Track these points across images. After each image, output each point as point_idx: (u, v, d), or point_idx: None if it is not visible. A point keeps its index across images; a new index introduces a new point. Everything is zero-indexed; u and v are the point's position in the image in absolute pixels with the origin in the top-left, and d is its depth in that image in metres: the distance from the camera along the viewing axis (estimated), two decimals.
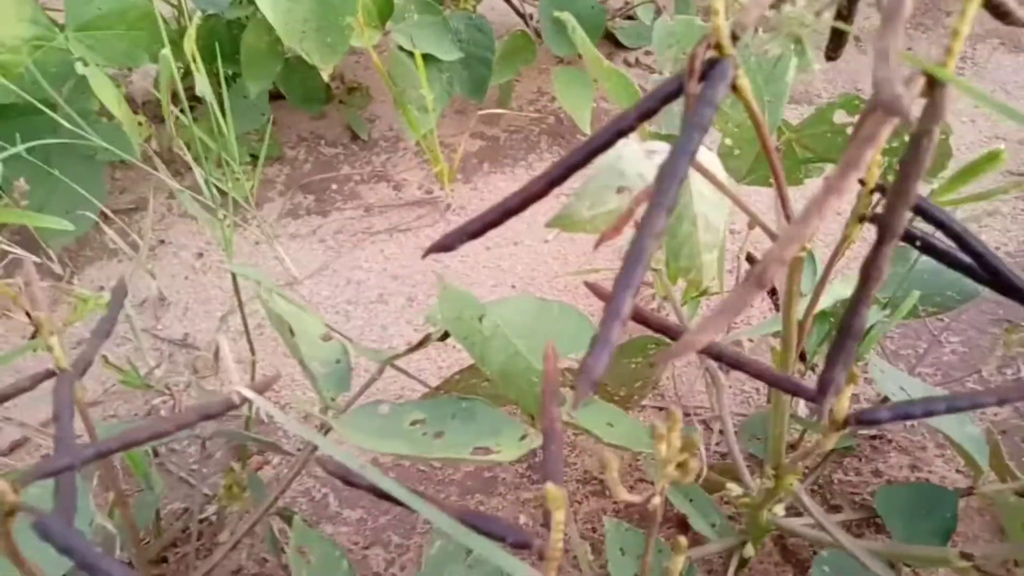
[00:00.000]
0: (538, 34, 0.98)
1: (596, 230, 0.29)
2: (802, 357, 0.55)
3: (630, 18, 1.18)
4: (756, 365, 0.29)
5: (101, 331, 0.41)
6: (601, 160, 0.29)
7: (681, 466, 0.25)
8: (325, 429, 0.42)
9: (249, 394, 0.29)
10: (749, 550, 0.45)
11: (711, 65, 0.24)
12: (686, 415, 0.66)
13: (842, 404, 0.29)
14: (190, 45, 0.63)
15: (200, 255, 0.90)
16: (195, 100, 1.09)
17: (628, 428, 0.46)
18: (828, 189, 0.21)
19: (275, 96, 1.03)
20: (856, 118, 0.38)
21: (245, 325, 0.58)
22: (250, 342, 0.60)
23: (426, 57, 0.88)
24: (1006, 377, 0.66)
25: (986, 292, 0.74)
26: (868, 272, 0.24)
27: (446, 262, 0.86)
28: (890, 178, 0.25)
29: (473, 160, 0.99)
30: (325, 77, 0.81)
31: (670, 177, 0.23)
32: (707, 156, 0.32)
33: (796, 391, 0.28)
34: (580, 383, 0.21)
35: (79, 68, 0.76)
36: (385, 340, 0.79)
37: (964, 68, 1.05)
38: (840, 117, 0.45)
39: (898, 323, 0.70)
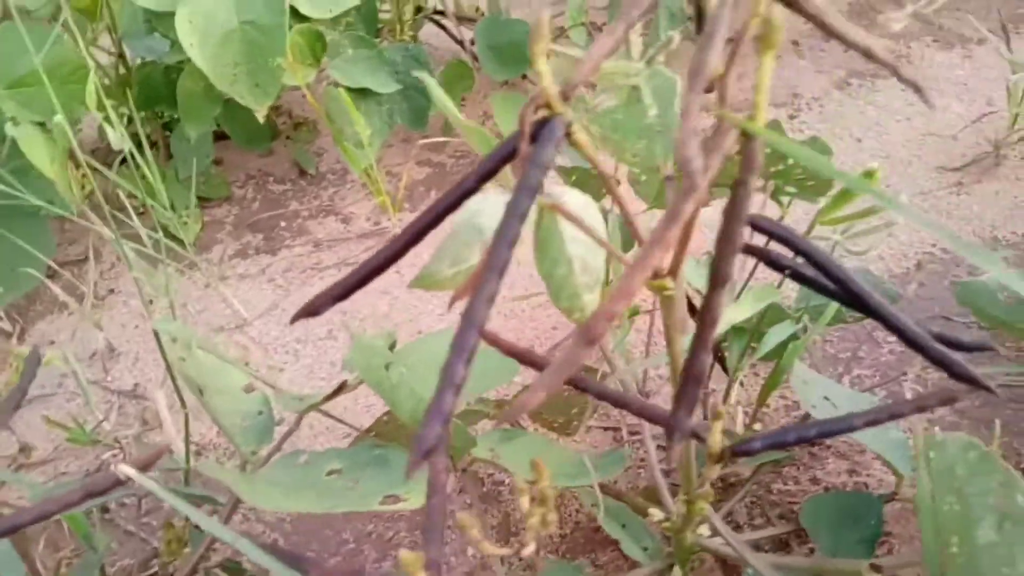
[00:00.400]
0: (476, 59, 0.99)
1: (458, 287, 0.29)
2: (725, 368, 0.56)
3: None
4: (618, 396, 0.29)
5: (11, 401, 0.41)
6: (459, 217, 0.30)
7: (542, 518, 0.25)
8: (235, 498, 0.42)
9: (131, 472, 0.30)
10: (677, 572, 0.45)
11: (541, 125, 0.25)
12: (632, 433, 0.66)
13: (715, 438, 0.29)
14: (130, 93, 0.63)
15: (150, 302, 0.90)
16: (140, 147, 1.09)
17: (555, 463, 0.46)
18: (638, 264, 0.22)
19: (221, 136, 1.03)
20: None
21: (174, 381, 0.58)
22: (180, 396, 0.60)
23: (365, 91, 0.88)
24: (938, 375, 0.66)
25: (920, 290, 0.75)
26: (704, 316, 0.24)
27: (394, 294, 0.86)
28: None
29: (420, 188, 0.99)
30: (260, 118, 0.82)
31: (501, 241, 0.23)
32: (578, 200, 0.32)
33: (655, 421, 0.28)
34: (413, 452, 0.22)
35: (8, 129, 0.76)
36: (334, 376, 0.79)
37: (899, 66, 1.06)
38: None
39: (835, 326, 0.70)
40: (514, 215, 0.24)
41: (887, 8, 1.15)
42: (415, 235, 0.28)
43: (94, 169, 1.00)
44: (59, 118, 0.73)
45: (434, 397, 0.23)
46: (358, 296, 0.84)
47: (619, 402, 0.30)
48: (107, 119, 0.65)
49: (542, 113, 0.25)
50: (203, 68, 0.77)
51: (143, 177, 0.98)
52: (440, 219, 0.27)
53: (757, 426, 0.62)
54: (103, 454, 0.74)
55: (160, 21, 0.86)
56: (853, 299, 0.30)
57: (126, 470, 0.30)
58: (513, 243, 0.24)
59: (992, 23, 1.09)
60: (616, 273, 0.49)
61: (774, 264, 0.32)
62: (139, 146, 1.08)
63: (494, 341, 0.32)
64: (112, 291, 0.92)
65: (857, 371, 0.66)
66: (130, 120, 1.07)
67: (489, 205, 0.29)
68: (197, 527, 0.60)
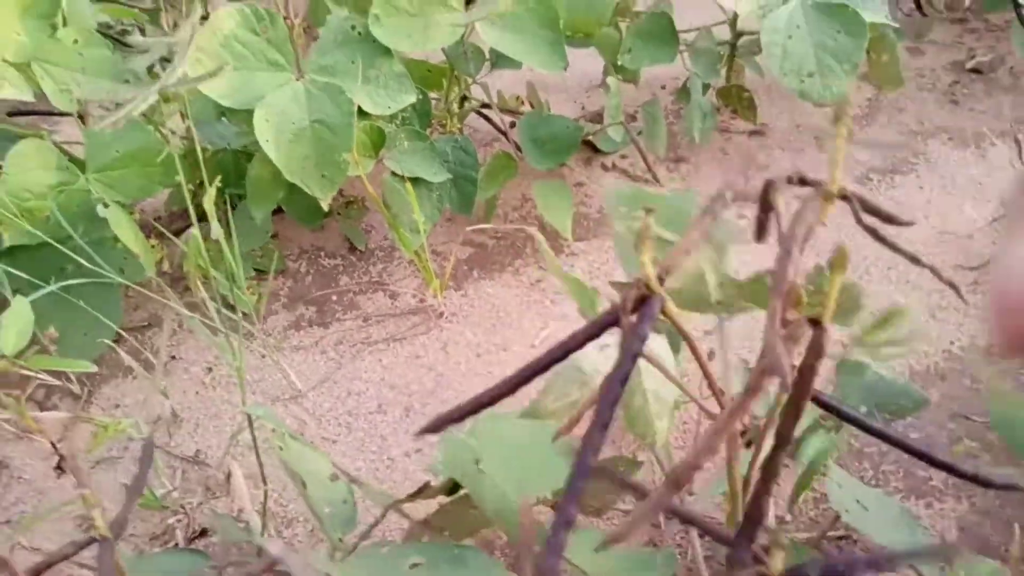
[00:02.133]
0: (519, 148, 1.06)
1: (560, 419, 0.34)
2: None
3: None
4: (690, 514, 0.34)
5: (135, 489, 0.46)
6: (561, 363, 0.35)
7: None
8: None
9: (281, 553, 0.34)
10: None
11: (641, 302, 0.31)
12: (667, 516, 0.70)
13: (775, 565, 0.34)
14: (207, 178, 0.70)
15: (209, 370, 0.96)
16: (203, 219, 1.17)
17: (618, 558, 0.51)
18: (729, 416, 0.27)
19: (277, 210, 1.10)
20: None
21: (258, 457, 0.63)
22: (261, 470, 0.65)
23: (416, 179, 0.95)
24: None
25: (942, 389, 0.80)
26: (766, 471, 0.29)
27: (439, 370, 0.91)
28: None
29: (464, 267, 1.05)
30: (324, 206, 0.88)
31: (607, 400, 0.29)
32: (658, 344, 0.38)
33: (721, 540, 0.33)
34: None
35: (100, 211, 0.83)
36: (384, 450, 0.83)
37: (918, 163, 1.13)
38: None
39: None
40: (618, 378, 0.29)
41: (907, 105, 1.22)
42: (526, 377, 0.33)
43: (161, 238, 1.07)
44: (107, 211, 0.79)
45: (551, 534, 0.28)
46: (406, 372, 0.90)
47: (690, 520, 0.35)
48: (191, 198, 0.71)
49: (641, 292, 0.31)
50: (276, 161, 0.84)
51: (207, 250, 1.05)
52: (550, 366, 0.33)
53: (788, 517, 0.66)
54: (168, 519, 0.78)
55: (233, 114, 0.94)
56: (895, 444, 0.35)
57: (276, 551, 0.35)
58: (616, 402, 0.29)
59: (1004, 123, 1.16)
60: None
61: (827, 407, 0.37)
62: (202, 218, 1.15)
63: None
64: (173, 358, 0.98)
65: (884, 467, 0.71)
66: (194, 196, 1.14)
67: (588, 352, 0.35)
68: None
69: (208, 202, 0.68)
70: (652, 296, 0.31)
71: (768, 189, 0.34)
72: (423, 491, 0.50)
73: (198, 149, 1.00)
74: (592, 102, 1.36)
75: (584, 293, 0.38)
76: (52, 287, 0.80)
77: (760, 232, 0.40)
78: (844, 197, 0.29)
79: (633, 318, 0.31)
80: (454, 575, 0.43)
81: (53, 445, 0.77)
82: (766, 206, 0.35)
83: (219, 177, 0.98)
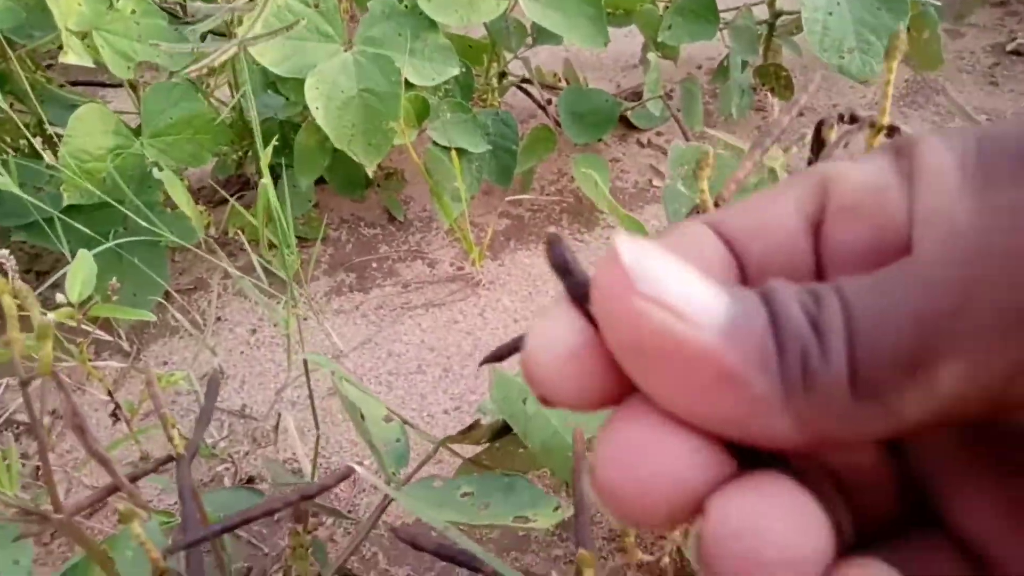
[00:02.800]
0: (557, 123, 1.08)
1: None
2: None
3: (639, 98, 1.28)
4: None
5: (204, 419, 0.49)
6: None
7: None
8: (388, 500, 0.49)
9: (359, 470, 0.37)
10: None
11: None
12: None
13: None
14: (267, 153, 0.72)
15: (254, 331, 0.99)
16: (244, 188, 1.20)
17: None
18: None
19: (318, 181, 1.13)
20: None
21: (313, 405, 0.65)
22: (315, 417, 0.68)
23: (459, 150, 0.97)
24: None
25: None
26: None
27: (477, 335, 0.94)
28: None
29: (500, 238, 1.08)
30: (370, 174, 0.91)
31: None
32: None
33: None
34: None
35: (156, 173, 0.87)
36: (424, 408, 0.86)
37: None
38: None
39: None
40: None
41: (946, 87, 1.22)
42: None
43: (208, 204, 1.11)
44: (162, 174, 0.83)
45: None
46: (445, 335, 0.92)
47: None
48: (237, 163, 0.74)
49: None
50: (325, 128, 0.87)
51: (254, 216, 1.09)
52: None
53: None
54: (217, 467, 0.82)
55: (284, 84, 0.97)
56: None
57: (357, 469, 0.38)
58: None
59: None
60: None
61: None
62: (246, 186, 1.19)
63: None
64: (219, 319, 1.02)
65: None
66: (238, 165, 1.18)
67: None
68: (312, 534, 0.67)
69: (264, 166, 0.71)
70: None
71: (821, 126, 0.36)
72: (472, 429, 0.52)
73: (254, 117, 1.04)
74: (627, 81, 1.37)
75: (637, 226, 0.40)
76: (109, 244, 0.83)
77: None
78: (890, 130, 0.31)
79: None
80: (504, 502, 0.46)
81: (110, 393, 0.80)
82: (817, 144, 0.37)
83: (268, 146, 1.02)
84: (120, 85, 1.20)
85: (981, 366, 0.11)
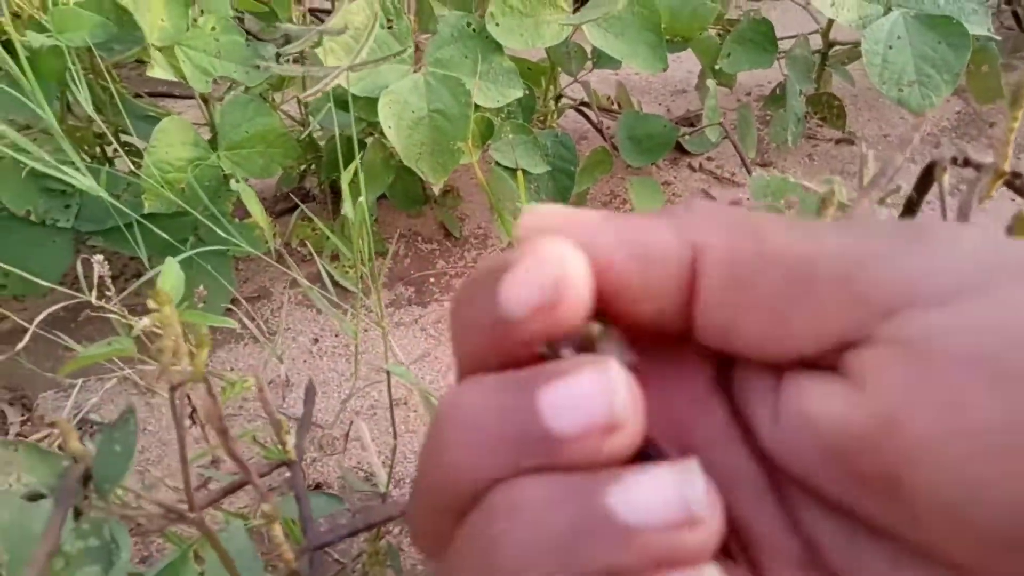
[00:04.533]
0: (614, 147, 1.10)
1: None
2: None
3: (691, 124, 1.30)
4: None
5: (305, 425, 0.52)
6: None
7: None
8: None
9: None
10: None
11: None
12: None
13: None
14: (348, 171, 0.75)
15: (316, 340, 1.02)
16: (305, 199, 1.24)
17: None
18: None
19: (378, 196, 1.16)
20: None
21: (392, 416, 0.68)
22: (394, 427, 0.70)
23: (517, 170, 1.00)
24: None
25: None
26: None
27: None
28: None
29: None
30: (436, 191, 0.94)
31: None
32: None
33: None
34: None
35: (232, 185, 0.90)
36: None
37: None
38: None
39: None
40: None
41: (999, 119, 1.23)
42: None
43: (272, 216, 1.14)
44: (239, 186, 0.86)
45: None
46: None
47: None
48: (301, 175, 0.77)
49: None
50: (395, 145, 0.90)
51: (315, 230, 1.12)
52: None
53: None
54: (285, 473, 0.84)
55: (355, 101, 1.00)
56: None
57: None
58: None
59: None
60: None
61: None
62: (306, 199, 1.22)
63: None
64: (281, 327, 1.05)
65: None
66: (301, 178, 1.22)
67: None
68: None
69: (345, 183, 0.74)
70: None
71: (931, 169, 0.38)
72: None
73: (336, 135, 1.07)
74: (676, 104, 1.39)
75: None
76: (188, 252, 0.87)
77: (909, 213, 0.43)
78: (1014, 177, 0.33)
79: None
80: None
81: (188, 397, 0.83)
82: (923, 185, 0.39)
83: (334, 161, 1.05)
84: (188, 97, 1.25)
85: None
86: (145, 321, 0.71)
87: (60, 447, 0.91)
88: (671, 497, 0.12)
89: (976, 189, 0.30)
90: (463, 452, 0.13)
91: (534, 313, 0.13)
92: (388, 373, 0.65)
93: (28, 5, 0.85)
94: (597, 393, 0.13)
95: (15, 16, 0.86)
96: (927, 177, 0.38)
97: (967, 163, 0.36)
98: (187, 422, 0.90)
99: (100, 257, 0.74)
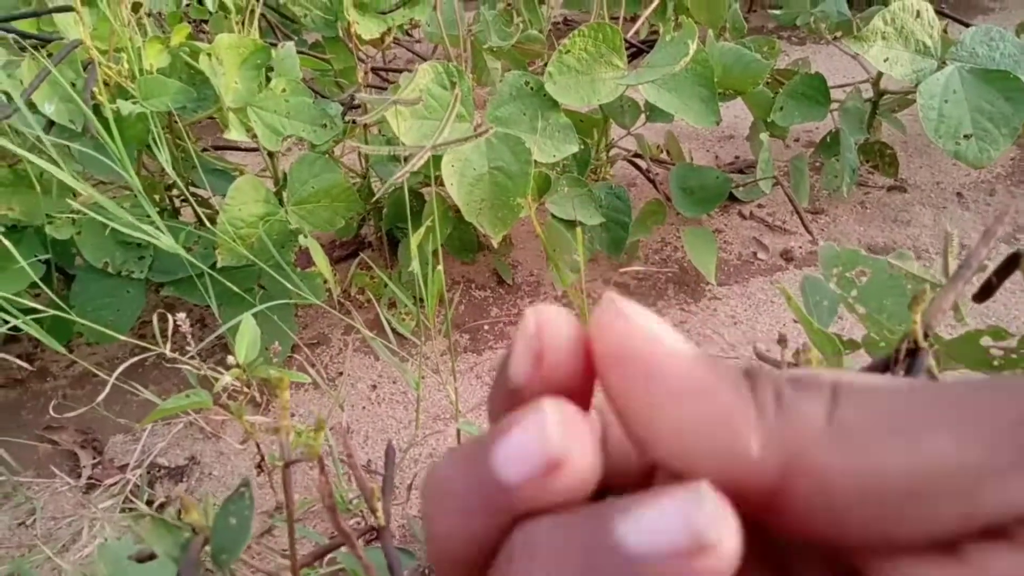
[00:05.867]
0: (666, 196, 1.12)
1: None
2: None
3: (740, 171, 1.31)
4: None
5: (388, 488, 0.54)
6: None
7: None
8: None
9: None
10: None
11: (911, 354, 0.35)
12: None
13: None
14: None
15: (374, 387, 1.05)
16: (360, 248, 1.27)
17: None
18: None
19: None
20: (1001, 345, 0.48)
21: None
22: None
23: (573, 222, 1.02)
24: None
25: None
26: None
27: None
28: None
29: None
30: (494, 244, 0.96)
31: None
32: None
33: None
34: None
35: (302, 240, 0.94)
36: None
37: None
38: (985, 341, 0.54)
39: None
40: None
41: None
42: None
43: (334, 266, 1.17)
44: (307, 240, 0.90)
45: None
46: None
47: None
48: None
49: (909, 346, 0.36)
50: (457, 201, 0.93)
51: (372, 278, 1.15)
52: None
53: None
54: (346, 519, 0.86)
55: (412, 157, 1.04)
56: None
57: None
58: None
59: None
60: None
61: None
62: (361, 248, 1.26)
63: None
64: (340, 374, 1.08)
65: None
66: (359, 227, 1.25)
67: None
68: None
69: (415, 240, 0.77)
70: (920, 350, 0.35)
71: (1016, 258, 0.39)
72: None
73: (405, 194, 1.11)
74: (725, 151, 1.41)
75: (822, 336, 0.43)
76: (259, 307, 0.90)
77: (985, 295, 0.44)
78: None
79: (901, 371, 0.36)
80: None
81: (258, 446, 0.86)
82: (1004, 273, 0.40)
83: (396, 212, 1.08)
84: (252, 149, 1.30)
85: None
86: (227, 379, 0.74)
87: (132, 496, 0.93)
88: (678, 524, 0.12)
89: None
90: (446, 520, 0.14)
91: (528, 482, 0.13)
92: (459, 431, 0.67)
93: (116, 74, 0.90)
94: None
95: (103, 83, 0.92)
96: (1010, 265, 0.39)
97: None
98: (255, 470, 0.93)
99: (183, 315, 0.78)
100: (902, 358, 0.35)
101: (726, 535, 0.12)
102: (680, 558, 0.12)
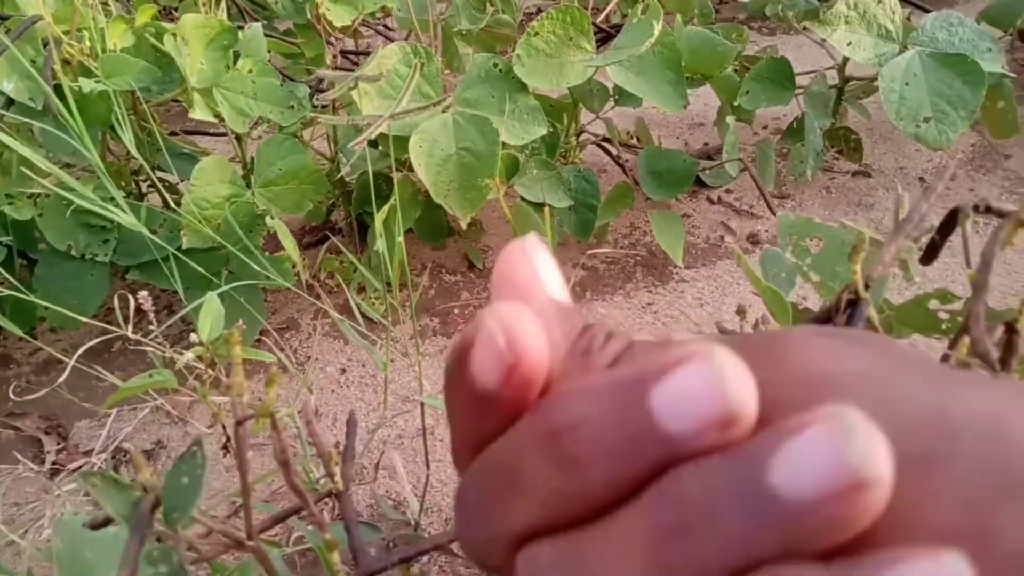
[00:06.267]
0: (635, 181, 1.13)
1: None
2: None
3: (709, 157, 1.33)
4: None
5: (349, 456, 0.54)
6: None
7: None
8: None
9: None
10: None
11: (851, 304, 0.36)
12: None
13: None
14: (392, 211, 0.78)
15: (343, 370, 1.04)
16: (331, 232, 1.27)
17: None
18: None
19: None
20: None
21: (425, 446, 0.70)
22: (427, 459, 0.72)
23: (542, 204, 1.03)
24: None
25: None
26: None
27: None
28: None
29: (576, 288, 1.12)
30: (463, 226, 0.96)
31: None
32: None
33: None
34: None
35: (268, 221, 0.93)
36: None
37: None
38: (933, 305, 0.55)
39: None
40: None
41: (1014, 152, 1.24)
42: None
43: (304, 251, 1.17)
44: (274, 222, 0.89)
45: None
46: None
47: None
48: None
49: (849, 296, 0.37)
50: (425, 182, 0.93)
51: (342, 263, 1.15)
52: None
53: None
54: (314, 499, 0.86)
55: (381, 139, 1.04)
56: None
57: None
58: None
59: None
60: None
61: None
62: (331, 233, 1.26)
63: None
64: (309, 358, 1.07)
65: None
66: (329, 212, 1.25)
67: None
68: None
69: (378, 220, 0.77)
70: (861, 301, 0.36)
71: (954, 215, 0.40)
72: None
73: (338, 167, 1.10)
74: (694, 138, 1.42)
75: (778, 299, 0.44)
76: (226, 287, 0.89)
77: (930, 256, 0.45)
78: None
79: (842, 320, 0.36)
80: None
81: (224, 427, 0.86)
82: (946, 230, 0.41)
83: (363, 197, 1.08)
84: (220, 134, 1.29)
85: None
86: (189, 356, 0.73)
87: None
88: (831, 461, 0.11)
89: (999, 237, 0.32)
90: (584, 459, 0.13)
91: (503, 379, 0.14)
92: (422, 405, 0.67)
93: (78, 52, 0.89)
94: (707, 388, 0.12)
95: (65, 63, 0.90)
96: (950, 222, 0.40)
97: (988, 210, 0.37)
98: (220, 452, 0.92)
99: (145, 293, 0.77)
100: (843, 308, 0.36)
101: (883, 467, 0.11)
102: (838, 497, 0.11)
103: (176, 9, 1.53)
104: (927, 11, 1.15)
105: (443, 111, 0.96)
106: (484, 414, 0.14)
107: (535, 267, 0.16)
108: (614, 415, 0.13)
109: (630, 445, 0.13)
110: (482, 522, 0.15)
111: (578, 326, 0.16)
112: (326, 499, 0.52)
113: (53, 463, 0.97)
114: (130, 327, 0.84)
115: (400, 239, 0.67)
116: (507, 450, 0.14)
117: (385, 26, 1.97)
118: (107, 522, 0.45)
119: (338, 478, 0.48)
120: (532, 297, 0.16)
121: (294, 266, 1.12)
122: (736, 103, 1.07)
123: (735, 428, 0.12)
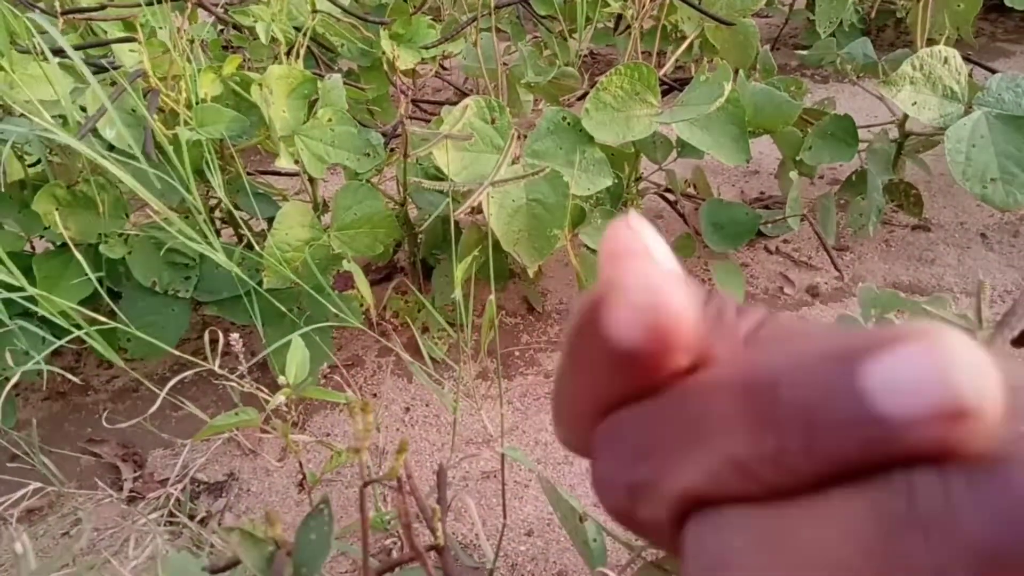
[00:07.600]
0: (696, 231, 1.15)
1: None
2: None
3: (766, 206, 1.34)
4: None
5: (443, 508, 0.56)
6: None
7: None
8: None
9: None
10: None
11: None
12: None
13: None
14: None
15: (407, 409, 1.07)
16: (393, 272, 1.31)
17: None
18: None
19: None
20: None
21: (503, 492, 0.72)
22: (504, 505, 0.74)
23: None
24: None
25: None
26: None
27: None
28: None
29: None
30: (531, 274, 0.99)
31: None
32: None
33: None
34: None
35: (345, 265, 0.97)
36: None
37: None
38: None
39: None
40: None
41: None
42: None
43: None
44: (350, 265, 0.93)
45: None
46: None
47: None
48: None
49: None
50: (496, 232, 0.96)
51: (406, 302, 1.18)
52: None
53: None
54: (383, 540, 0.89)
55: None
56: None
57: None
58: None
59: None
60: None
61: None
62: (394, 273, 1.29)
63: None
64: (375, 395, 1.10)
65: None
66: (394, 252, 1.29)
67: None
68: None
69: (460, 271, 0.80)
70: None
71: None
72: None
73: (406, 212, 1.14)
74: (750, 186, 1.44)
75: None
76: (304, 328, 0.93)
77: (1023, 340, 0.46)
78: None
79: None
80: None
81: (300, 465, 0.89)
82: None
83: (432, 240, 1.12)
84: (292, 174, 1.35)
85: None
86: (280, 399, 0.76)
87: (174, 510, 0.96)
88: (932, 381, 0.10)
89: None
90: (792, 427, 0.12)
91: (648, 337, 0.13)
92: (503, 457, 0.70)
93: (174, 102, 0.95)
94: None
95: (160, 112, 0.96)
96: None
97: None
98: (295, 488, 0.96)
99: (237, 336, 0.81)
100: None
101: (990, 395, 0.10)
102: (940, 421, 0.10)
103: (241, 47, 1.59)
104: (990, 70, 1.16)
105: (513, 161, 1.00)
106: (620, 373, 0.14)
107: (645, 241, 0.15)
108: (825, 385, 0.12)
109: (838, 418, 0.11)
110: (646, 470, 0.14)
111: (700, 294, 0.15)
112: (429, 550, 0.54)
113: (131, 491, 1.01)
114: (217, 362, 0.88)
115: (492, 301, 0.70)
116: (695, 399, 0.13)
117: (442, 67, 2.03)
118: (226, 568, 0.48)
119: (439, 533, 0.50)
120: (647, 270, 0.14)
121: (363, 305, 1.16)
122: (798, 158, 1.08)
123: (970, 424, 0.11)
